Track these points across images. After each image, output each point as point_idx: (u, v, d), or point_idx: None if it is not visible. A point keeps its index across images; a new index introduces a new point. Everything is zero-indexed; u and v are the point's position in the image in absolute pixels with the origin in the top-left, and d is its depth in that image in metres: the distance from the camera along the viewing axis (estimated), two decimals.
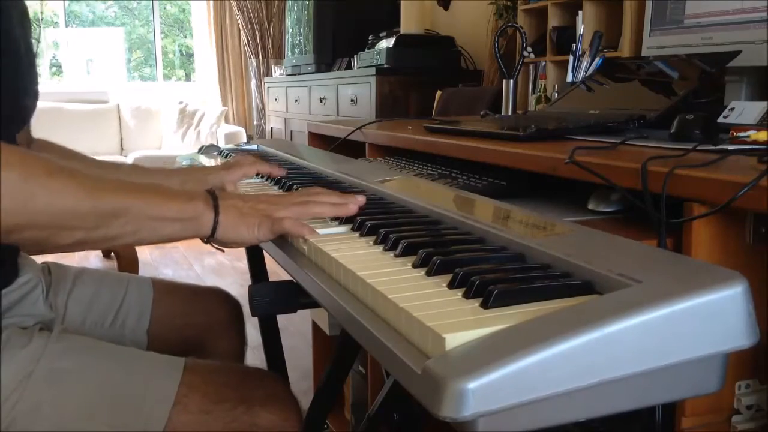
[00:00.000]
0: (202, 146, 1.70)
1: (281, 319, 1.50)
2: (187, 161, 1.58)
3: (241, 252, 1.70)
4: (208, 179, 1.11)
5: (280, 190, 1.12)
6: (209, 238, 0.80)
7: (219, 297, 1.27)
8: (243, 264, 3.84)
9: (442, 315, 0.50)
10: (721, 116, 1.06)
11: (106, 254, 4.09)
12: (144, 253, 4.20)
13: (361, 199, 0.85)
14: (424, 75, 3.05)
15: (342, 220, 0.84)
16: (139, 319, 1.15)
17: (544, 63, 2.31)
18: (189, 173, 1.17)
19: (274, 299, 0.93)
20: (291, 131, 4.22)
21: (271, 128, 4.69)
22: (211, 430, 0.88)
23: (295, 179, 1.14)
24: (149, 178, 1.13)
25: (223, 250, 0.86)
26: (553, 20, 2.31)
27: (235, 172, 1.13)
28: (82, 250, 0.81)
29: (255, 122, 6.00)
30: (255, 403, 0.90)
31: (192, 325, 1.20)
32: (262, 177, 1.22)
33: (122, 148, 5.80)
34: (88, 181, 0.73)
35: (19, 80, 0.93)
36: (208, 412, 0.88)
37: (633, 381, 0.46)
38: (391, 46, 3.08)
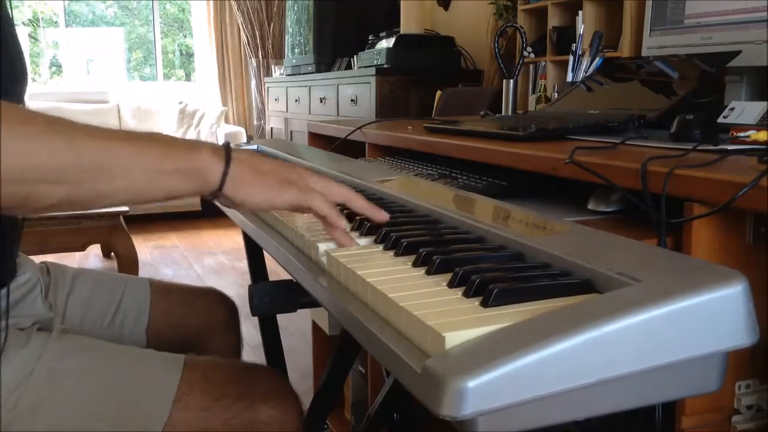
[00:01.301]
0: None
1: (281, 318, 1.50)
2: None
3: (241, 252, 1.70)
4: None
5: None
6: (216, 194, 0.70)
7: (215, 298, 1.27)
8: (243, 264, 3.84)
9: (441, 314, 0.50)
10: (721, 116, 1.06)
11: (106, 254, 4.10)
12: (144, 253, 4.20)
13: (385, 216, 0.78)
14: (424, 75, 3.05)
15: None
16: (136, 319, 1.15)
17: (544, 63, 2.32)
18: None
19: (274, 299, 0.93)
20: (291, 131, 4.22)
21: (271, 128, 4.69)
22: (212, 426, 0.88)
23: None
24: None
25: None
26: (553, 20, 2.31)
27: None
28: (73, 210, 0.77)
29: (255, 122, 6.01)
30: (255, 398, 0.91)
31: (189, 326, 1.21)
32: None
33: None
34: (68, 127, 0.64)
35: (19, 64, 0.93)
36: (209, 408, 0.88)
37: (633, 380, 0.46)
38: (391, 46, 3.09)
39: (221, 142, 4.59)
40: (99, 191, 0.65)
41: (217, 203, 0.72)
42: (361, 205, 0.77)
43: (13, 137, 0.60)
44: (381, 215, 0.77)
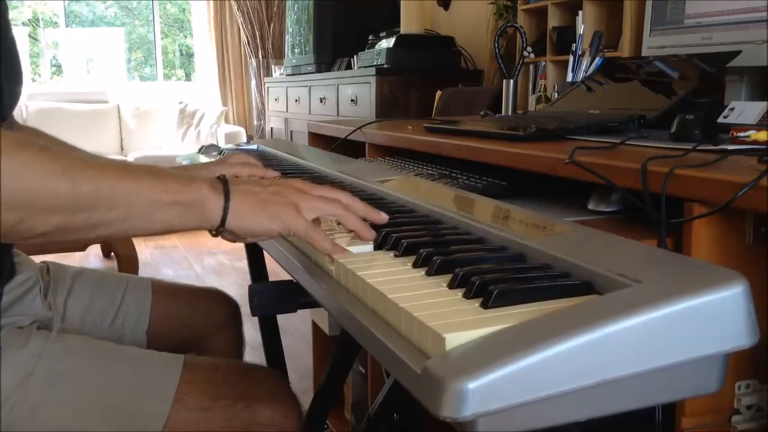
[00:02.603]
0: (202, 146, 1.70)
1: (281, 319, 1.50)
2: (187, 161, 1.58)
3: (241, 252, 1.70)
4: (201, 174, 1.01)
5: None
6: (219, 229, 0.69)
7: (217, 298, 1.27)
8: (243, 264, 3.84)
9: (442, 315, 0.50)
10: (721, 116, 1.06)
11: (106, 254, 4.10)
12: (144, 253, 4.20)
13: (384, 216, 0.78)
14: (424, 75, 3.05)
15: None
16: (137, 319, 1.15)
17: (544, 63, 2.31)
18: (182, 170, 1.13)
19: (274, 299, 0.93)
20: (291, 131, 4.22)
21: (271, 128, 4.69)
22: (211, 426, 0.88)
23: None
24: None
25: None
26: (553, 20, 2.31)
27: (227, 170, 1.09)
28: (65, 239, 0.77)
29: (255, 122, 6.01)
30: (255, 399, 0.91)
31: (190, 326, 1.20)
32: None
33: (122, 148, 5.80)
34: (64, 157, 0.63)
35: (17, 65, 0.93)
36: (208, 409, 0.88)
37: (633, 381, 0.46)
38: (391, 46, 3.08)
39: (221, 142, 4.54)
40: (95, 222, 0.64)
41: (222, 238, 0.72)
42: (359, 209, 0.76)
43: (5, 162, 0.58)
44: (380, 216, 0.77)
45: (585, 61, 1.85)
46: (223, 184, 0.70)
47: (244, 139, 5.52)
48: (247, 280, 2.74)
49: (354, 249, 0.73)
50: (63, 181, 0.61)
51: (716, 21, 1.21)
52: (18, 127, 1.17)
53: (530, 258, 0.63)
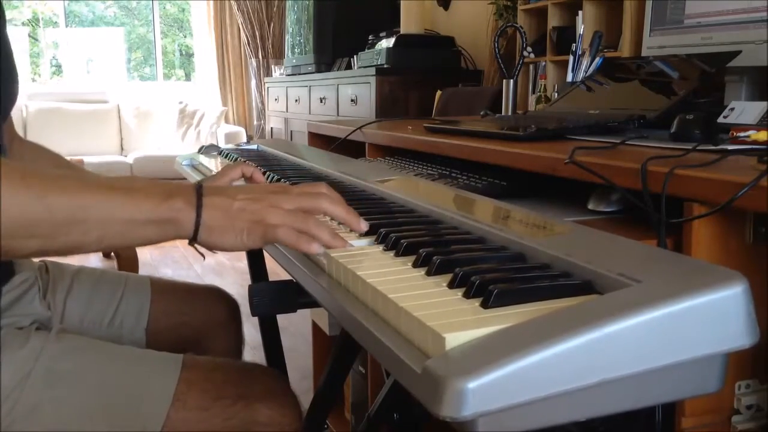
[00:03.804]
0: (202, 146, 1.70)
1: (281, 319, 1.50)
2: (187, 161, 1.58)
3: (241, 252, 1.70)
4: None
5: None
6: (192, 241, 0.70)
7: (216, 296, 1.27)
8: (243, 264, 3.84)
9: (442, 315, 0.50)
10: (721, 116, 1.05)
11: (106, 254, 4.09)
12: (144, 253, 4.19)
13: (364, 227, 0.75)
14: (424, 75, 3.05)
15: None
16: (137, 317, 1.15)
17: (544, 63, 2.32)
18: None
19: (274, 299, 0.93)
20: (291, 131, 4.22)
21: (271, 128, 4.69)
22: (211, 426, 0.88)
23: (295, 180, 1.14)
24: None
25: (203, 256, 0.78)
26: (553, 20, 2.31)
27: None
28: (46, 257, 0.78)
29: (255, 122, 6.01)
30: (254, 399, 0.91)
31: (189, 324, 1.20)
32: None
33: (122, 148, 5.80)
34: (40, 182, 0.64)
35: (12, 64, 0.93)
36: (207, 408, 0.88)
37: (633, 381, 0.46)
38: (391, 46, 3.09)
39: (221, 142, 4.55)
40: (73, 243, 0.66)
41: (194, 247, 0.72)
42: (338, 214, 0.75)
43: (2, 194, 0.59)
44: (359, 226, 0.75)
45: (585, 61, 1.85)
46: (197, 197, 0.69)
47: (244, 139, 5.52)
48: (247, 280, 2.74)
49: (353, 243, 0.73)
50: (37, 210, 0.62)
51: (716, 21, 1.21)
52: (17, 139, 1.17)
53: (530, 258, 0.63)
